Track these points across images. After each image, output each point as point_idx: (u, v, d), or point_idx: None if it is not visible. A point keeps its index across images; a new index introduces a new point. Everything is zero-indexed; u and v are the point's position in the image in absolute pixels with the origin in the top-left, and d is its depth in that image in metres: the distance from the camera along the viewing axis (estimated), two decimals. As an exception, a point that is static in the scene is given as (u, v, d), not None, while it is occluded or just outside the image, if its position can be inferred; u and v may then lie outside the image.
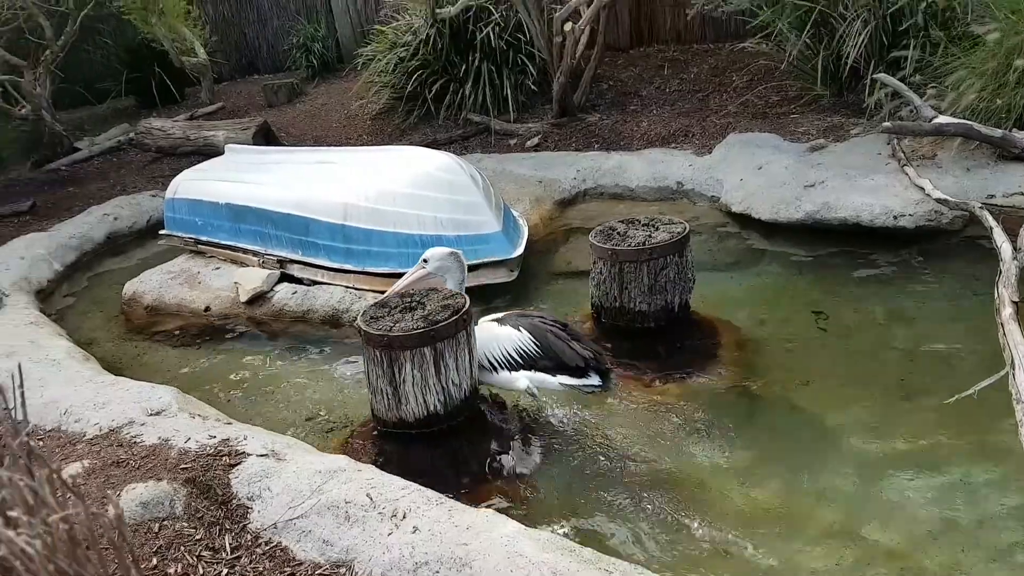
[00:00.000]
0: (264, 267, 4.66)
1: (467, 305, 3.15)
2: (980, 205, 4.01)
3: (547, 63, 6.77)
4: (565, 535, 2.41)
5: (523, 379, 3.19)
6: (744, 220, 4.88)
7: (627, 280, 3.62)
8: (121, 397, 3.21)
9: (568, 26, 6.16)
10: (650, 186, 5.54)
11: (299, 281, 4.56)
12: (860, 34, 5.37)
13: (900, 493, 2.60)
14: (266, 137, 7.28)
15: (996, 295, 3.03)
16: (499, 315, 3.40)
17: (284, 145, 7.31)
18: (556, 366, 3.16)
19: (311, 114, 8.54)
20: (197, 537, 2.33)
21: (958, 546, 2.36)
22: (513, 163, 6.05)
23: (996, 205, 4.11)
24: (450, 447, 3.13)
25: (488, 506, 2.32)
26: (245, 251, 4.82)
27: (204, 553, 2.27)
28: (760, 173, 5.01)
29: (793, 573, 2.35)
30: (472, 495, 2.77)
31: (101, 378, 3.55)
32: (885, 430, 2.91)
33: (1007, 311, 2.86)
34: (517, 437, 3.19)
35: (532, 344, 3.19)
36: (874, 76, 5.24)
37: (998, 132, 4.42)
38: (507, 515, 2.27)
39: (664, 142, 6.08)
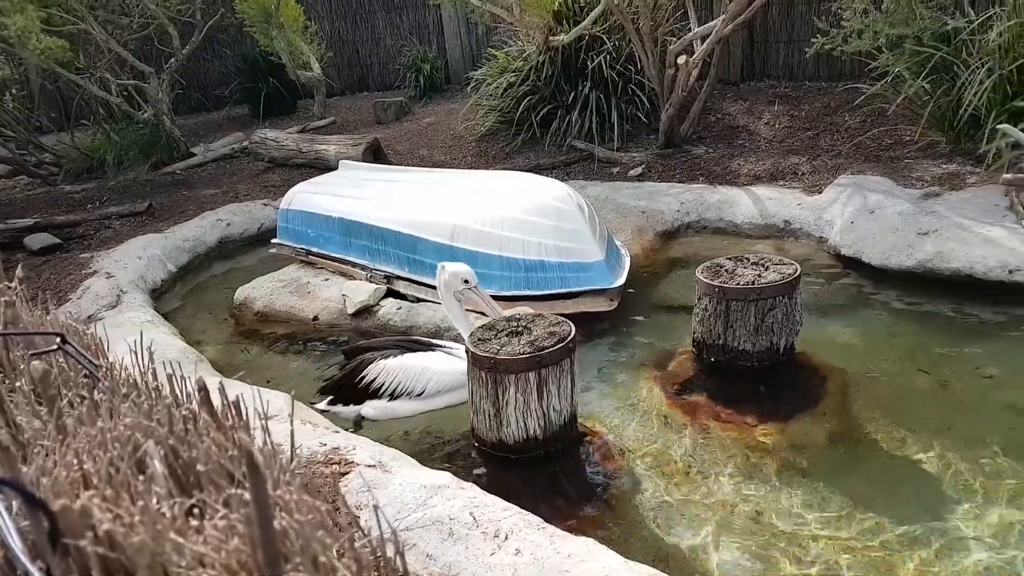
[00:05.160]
0: (372, 281, 4.84)
1: (573, 332, 3.21)
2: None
3: (656, 93, 6.80)
4: (661, 568, 2.41)
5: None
6: (853, 264, 4.77)
7: (733, 319, 3.60)
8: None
9: (682, 59, 6.18)
10: (756, 223, 5.48)
11: (404, 297, 4.71)
12: (983, 82, 5.18)
13: (997, 553, 2.53)
14: (375, 154, 7.44)
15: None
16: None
17: (392, 162, 7.51)
18: None
19: (418, 133, 8.76)
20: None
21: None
22: (616, 192, 6.09)
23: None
24: (547, 472, 3.17)
25: (583, 533, 2.34)
26: (354, 265, 5.02)
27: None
28: (872, 217, 4.88)
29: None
30: (568, 522, 2.79)
31: (214, 380, 3.69)
32: (987, 487, 2.82)
33: None
34: (612, 467, 3.21)
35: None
36: (996, 126, 5.04)
37: None
38: (603, 544, 2.28)
39: (772, 179, 5.99)
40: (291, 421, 1.44)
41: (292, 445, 1.17)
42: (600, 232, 4.59)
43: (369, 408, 3.45)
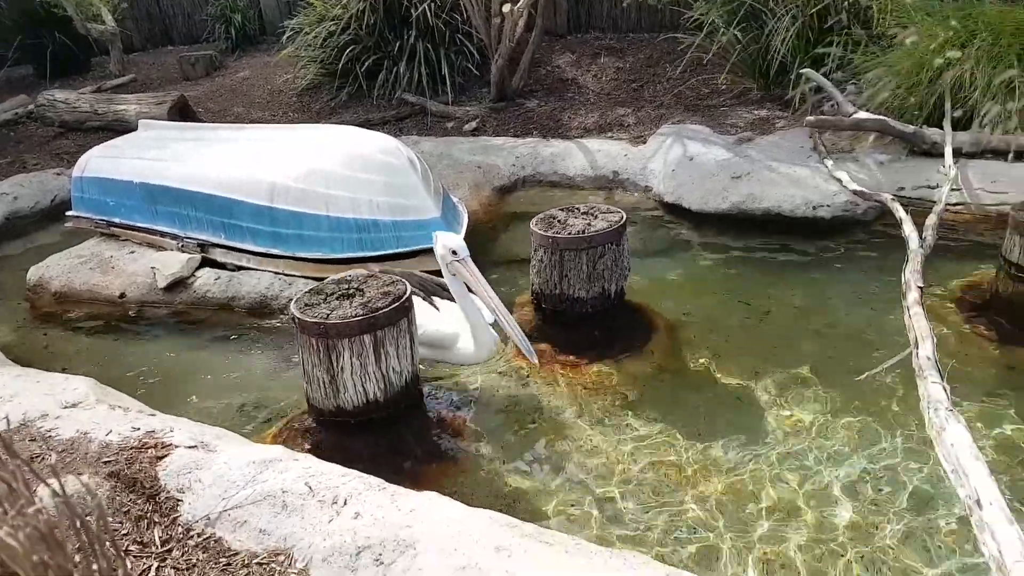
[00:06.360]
0: (184, 251, 4.46)
1: (408, 291, 3.09)
2: (891, 197, 4.23)
3: (485, 44, 6.71)
4: (507, 511, 2.42)
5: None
6: (675, 210, 4.99)
7: (567, 267, 3.64)
8: (31, 389, 3.01)
9: (507, 7, 6.11)
10: (587, 175, 5.59)
11: (223, 266, 4.38)
12: (788, 30, 5.55)
13: (806, 456, 2.80)
14: (182, 112, 6.98)
15: (903, 281, 3.20)
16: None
17: (202, 121, 7.02)
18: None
19: (232, 89, 8.21)
20: (123, 532, 2.21)
21: (855, 501, 2.57)
22: (451, 147, 5.98)
23: (906, 197, 4.37)
24: (391, 434, 3.08)
25: (431, 489, 2.31)
26: (163, 234, 4.60)
27: (132, 548, 2.17)
28: (691, 165, 5.12)
29: (709, 529, 2.50)
30: (415, 479, 2.74)
31: (7, 369, 3.34)
32: (797, 404, 3.07)
33: (912, 296, 3.03)
34: (458, 422, 3.17)
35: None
36: (800, 71, 5.43)
37: (910, 128, 4.67)
38: (451, 496, 2.27)
39: (600, 131, 6.15)
40: None
41: None
42: (435, 188, 4.47)
43: None
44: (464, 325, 3.25)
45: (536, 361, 3.10)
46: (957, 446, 2.11)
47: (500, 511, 2.25)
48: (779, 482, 2.67)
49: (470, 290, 3.19)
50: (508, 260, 4.61)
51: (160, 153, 4.78)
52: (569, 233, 3.63)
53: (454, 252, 3.15)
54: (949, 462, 2.11)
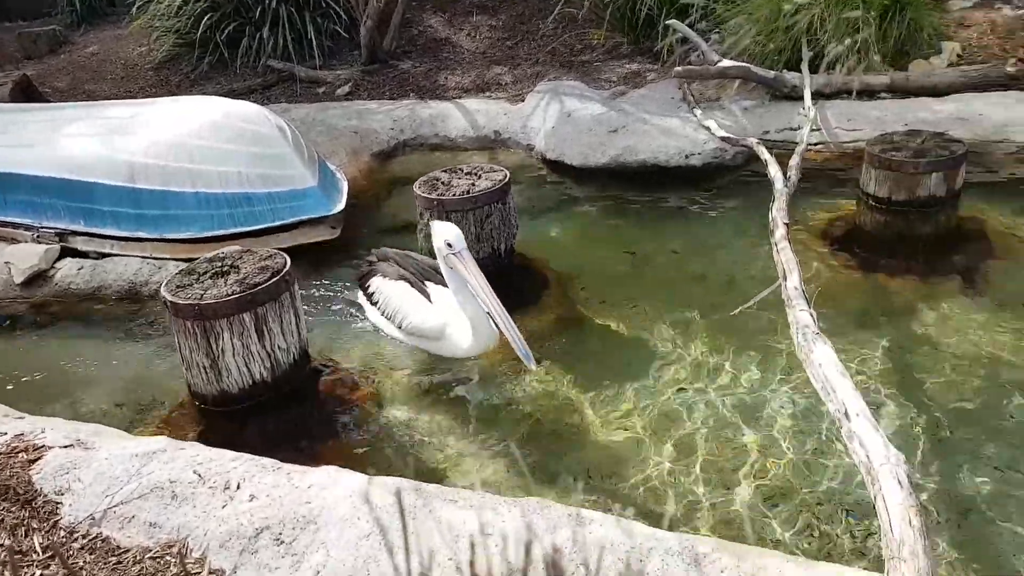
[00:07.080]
0: (40, 242, 4.11)
1: (288, 264, 2.99)
2: (757, 141, 4.40)
3: (352, 6, 6.48)
4: (411, 476, 2.41)
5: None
6: (558, 166, 5.03)
7: (456, 229, 3.61)
8: None
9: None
10: (469, 136, 5.52)
11: (85, 255, 4.07)
12: (653, -19, 5.65)
13: (695, 391, 2.96)
14: (26, 93, 6.41)
15: (771, 219, 3.38)
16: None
17: (50, 101, 6.44)
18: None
19: (81, 65, 7.59)
20: (-1, 543, 2.06)
21: (736, 426, 2.75)
22: (324, 113, 5.74)
23: (771, 140, 4.56)
24: (284, 415, 2.99)
25: (331, 463, 2.26)
26: (15, 226, 4.22)
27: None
28: (569, 121, 5.16)
29: (605, 477, 2.59)
30: (316, 458, 2.65)
31: None
32: (683, 342, 3.24)
33: (780, 232, 3.21)
34: (355, 397, 3.11)
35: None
36: (666, 23, 5.55)
37: (771, 73, 4.89)
38: (351, 469, 2.22)
39: (479, 90, 6.10)
40: None
41: None
42: (309, 156, 4.31)
43: (370, 313, 3.42)
44: (459, 316, 3.05)
45: (534, 367, 2.84)
46: (824, 365, 2.27)
47: (402, 476, 2.23)
48: (673, 413, 2.82)
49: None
50: (395, 227, 4.51)
51: (5, 138, 4.37)
52: (454, 194, 3.60)
53: (449, 245, 2.94)
54: (818, 380, 2.27)
